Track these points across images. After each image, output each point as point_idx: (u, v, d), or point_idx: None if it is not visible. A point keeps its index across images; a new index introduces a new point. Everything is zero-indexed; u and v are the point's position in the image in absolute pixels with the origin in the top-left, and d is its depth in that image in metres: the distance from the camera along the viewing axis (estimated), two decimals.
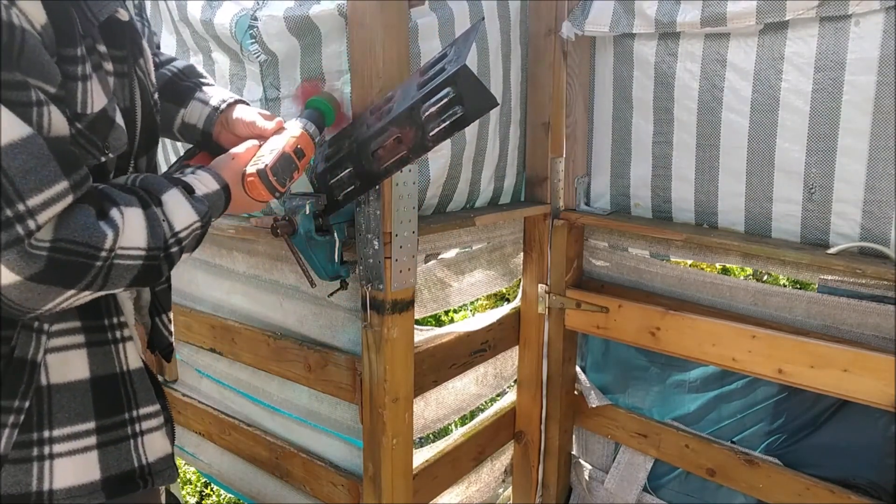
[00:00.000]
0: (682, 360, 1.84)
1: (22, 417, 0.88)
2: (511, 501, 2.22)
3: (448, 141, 1.51)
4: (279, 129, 1.21)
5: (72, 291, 0.80)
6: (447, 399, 1.87)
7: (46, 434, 0.90)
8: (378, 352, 1.42)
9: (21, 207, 0.73)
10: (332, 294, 1.47)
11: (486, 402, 2.08)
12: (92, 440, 0.94)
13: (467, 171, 1.71)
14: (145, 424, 1.01)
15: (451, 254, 1.83)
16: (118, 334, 0.99)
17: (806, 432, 1.76)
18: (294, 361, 1.64)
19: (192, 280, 1.94)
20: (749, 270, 2.79)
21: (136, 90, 0.98)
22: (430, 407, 1.82)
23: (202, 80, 1.30)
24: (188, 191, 0.97)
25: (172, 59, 1.31)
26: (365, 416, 1.48)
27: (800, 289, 1.78)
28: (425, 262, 1.75)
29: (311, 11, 1.39)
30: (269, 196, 1.08)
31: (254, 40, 1.47)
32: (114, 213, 0.84)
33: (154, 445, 1.02)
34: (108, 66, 0.91)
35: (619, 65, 1.85)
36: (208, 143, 1.27)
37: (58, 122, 0.80)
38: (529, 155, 1.95)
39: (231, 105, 1.24)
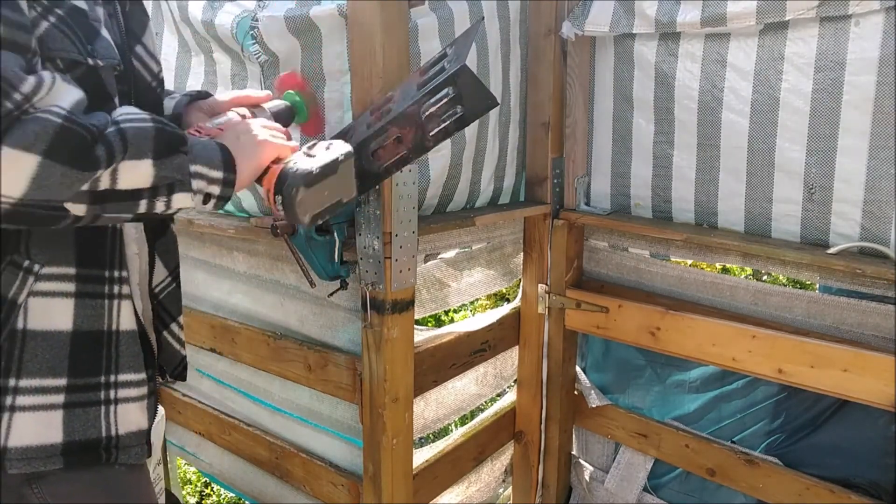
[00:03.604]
0: (682, 360, 1.84)
1: None
2: (511, 501, 2.22)
3: (448, 141, 1.51)
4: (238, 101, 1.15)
5: None
6: (447, 399, 1.87)
7: (12, 383, 0.83)
8: (378, 352, 1.42)
9: None
10: (332, 294, 1.48)
11: (486, 402, 2.08)
12: (59, 398, 0.87)
13: (467, 172, 1.71)
14: (122, 392, 0.93)
15: (450, 254, 1.84)
16: (115, 289, 0.92)
17: (806, 432, 1.76)
18: (294, 361, 1.64)
19: (192, 280, 1.94)
20: (749, 270, 2.79)
21: (123, 31, 0.95)
22: (430, 407, 1.83)
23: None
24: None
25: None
26: (365, 416, 1.48)
27: (800, 289, 1.78)
28: (425, 262, 1.75)
29: (311, 12, 1.39)
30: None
31: (255, 41, 1.47)
32: (45, 74, 0.74)
33: (128, 417, 0.94)
34: None
35: (620, 65, 1.85)
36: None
37: None
38: (529, 155, 1.95)
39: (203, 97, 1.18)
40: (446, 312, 3.78)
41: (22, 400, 0.84)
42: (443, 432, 2.18)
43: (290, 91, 1.29)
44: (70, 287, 0.87)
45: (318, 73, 1.44)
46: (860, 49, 1.46)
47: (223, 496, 2.96)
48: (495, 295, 3.65)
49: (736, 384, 1.87)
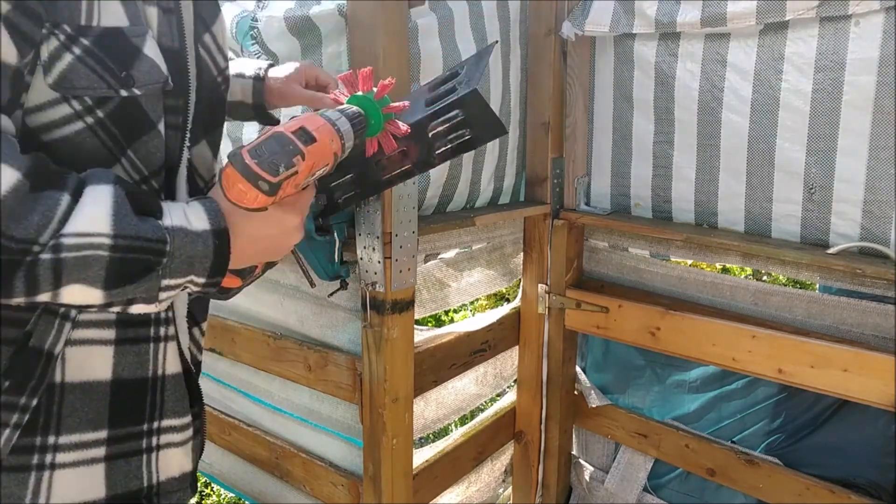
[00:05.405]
0: (682, 359, 1.85)
1: (26, 417, 0.75)
2: (511, 501, 2.22)
3: None
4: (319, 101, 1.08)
5: None
6: (447, 399, 1.87)
7: (52, 440, 0.77)
8: (378, 352, 1.42)
9: None
10: (332, 294, 1.48)
11: (486, 402, 2.08)
12: (100, 451, 0.81)
13: (467, 172, 1.71)
14: (164, 438, 0.88)
15: (450, 254, 1.84)
16: (161, 332, 0.85)
17: (806, 432, 1.76)
18: (294, 361, 1.64)
19: None
20: (749, 270, 2.79)
21: (185, 34, 0.85)
22: (430, 407, 1.83)
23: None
24: (140, 205, 0.70)
25: None
26: (365, 416, 1.48)
27: (800, 289, 1.78)
28: (425, 262, 1.75)
29: (311, 12, 1.39)
30: (251, 190, 0.73)
31: (254, 41, 1.47)
32: None
33: (169, 462, 0.89)
34: None
35: (620, 65, 1.85)
36: (264, 117, 1.19)
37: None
38: (529, 155, 1.95)
39: (267, 71, 1.14)
40: (446, 312, 3.78)
41: (62, 457, 0.78)
42: (443, 432, 2.18)
43: (357, 96, 0.96)
44: (110, 334, 0.80)
45: None
46: (860, 49, 1.46)
47: (223, 496, 2.96)
48: (495, 295, 3.65)
49: (736, 384, 1.87)
